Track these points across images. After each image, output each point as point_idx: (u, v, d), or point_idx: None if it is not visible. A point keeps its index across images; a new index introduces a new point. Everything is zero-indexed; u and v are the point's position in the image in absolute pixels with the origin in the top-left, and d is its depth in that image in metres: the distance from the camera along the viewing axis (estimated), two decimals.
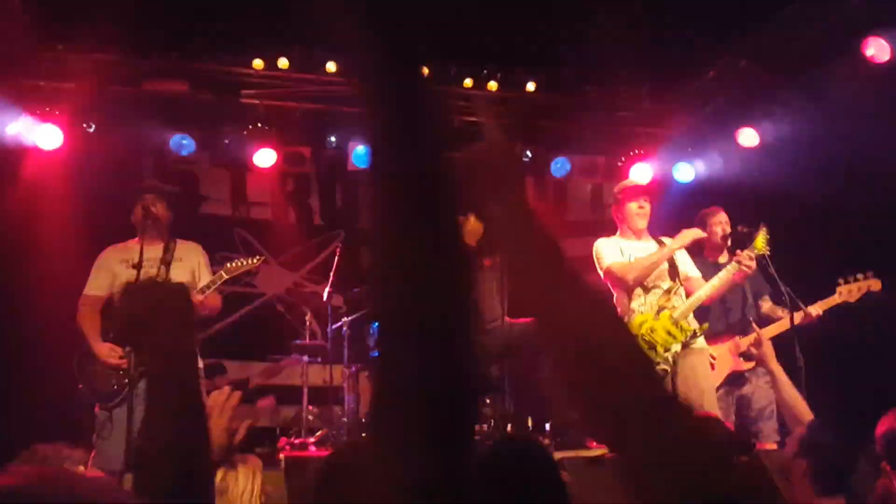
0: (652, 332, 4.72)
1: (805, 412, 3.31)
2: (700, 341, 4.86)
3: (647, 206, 5.15)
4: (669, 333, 4.70)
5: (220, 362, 6.85)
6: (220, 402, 1.86)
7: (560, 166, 7.90)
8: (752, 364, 5.01)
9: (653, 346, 4.66)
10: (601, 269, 4.97)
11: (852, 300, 4.84)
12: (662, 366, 4.65)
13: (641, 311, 4.83)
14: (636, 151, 7.86)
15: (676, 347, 4.69)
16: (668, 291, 4.89)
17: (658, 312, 4.79)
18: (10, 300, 5.89)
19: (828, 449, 2.56)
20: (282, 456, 5.76)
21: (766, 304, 5.37)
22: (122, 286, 4.30)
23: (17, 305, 5.88)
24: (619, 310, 5.16)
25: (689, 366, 4.71)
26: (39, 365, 5.51)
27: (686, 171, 7.80)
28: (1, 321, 5.77)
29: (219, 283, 4.69)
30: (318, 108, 7.44)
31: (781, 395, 3.53)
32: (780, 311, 5.13)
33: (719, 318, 5.25)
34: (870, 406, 3.20)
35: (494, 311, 4.44)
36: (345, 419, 6.46)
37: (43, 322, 5.63)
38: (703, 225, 5.44)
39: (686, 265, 5.12)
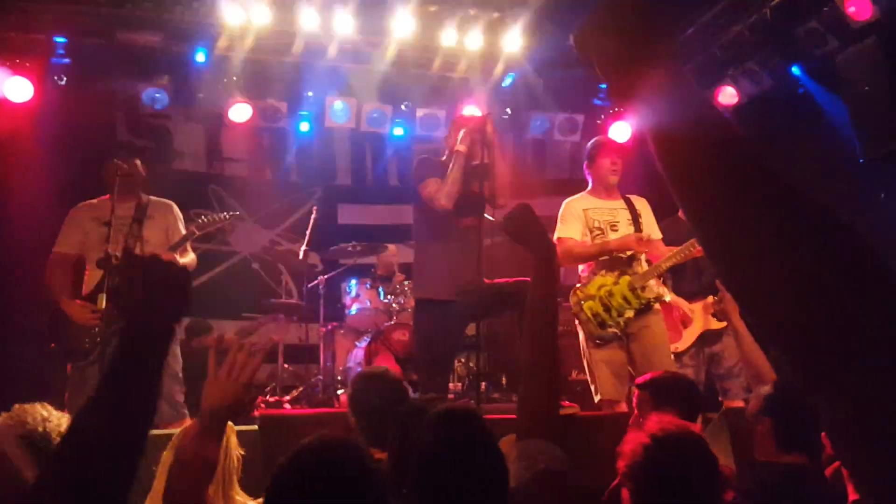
0: (609, 295, 4.77)
1: (767, 370, 3.37)
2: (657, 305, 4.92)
3: (620, 164, 5.15)
4: (625, 299, 4.75)
5: (205, 320, 6.81)
6: (241, 360, 1.86)
7: (539, 124, 7.86)
8: (724, 323, 5.07)
9: (607, 309, 4.73)
10: (555, 233, 4.98)
11: None
12: (612, 329, 4.71)
13: (603, 274, 4.87)
14: (615, 110, 7.83)
15: (629, 314, 4.75)
16: (632, 257, 4.93)
17: (619, 276, 4.83)
18: None
19: (791, 408, 2.60)
20: (257, 414, 5.78)
21: None
22: (126, 253, 4.24)
23: None
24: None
25: (642, 325, 4.77)
26: (9, 322, 5.46)
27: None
28: None
29: (190, 239, 4.63)
30: (295, 61, 7.32)
31: (744, 352, 3.59)
32: None
33: (693, 279, 5.30)
34: None
35: (471, 272, 4.44)
36: (320, 377, 6.49)
37: (13, 279, 5.56)
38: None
39: (651, 228, 5.14)
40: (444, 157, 4.75)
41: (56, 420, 2.32)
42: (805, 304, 0.75)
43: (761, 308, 0.81)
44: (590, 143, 5.37)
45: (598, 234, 4.96)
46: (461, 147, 4.49)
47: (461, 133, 4.56)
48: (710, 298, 5.20)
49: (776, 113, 7.07)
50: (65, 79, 6.57)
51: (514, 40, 7.07)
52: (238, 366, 1.85)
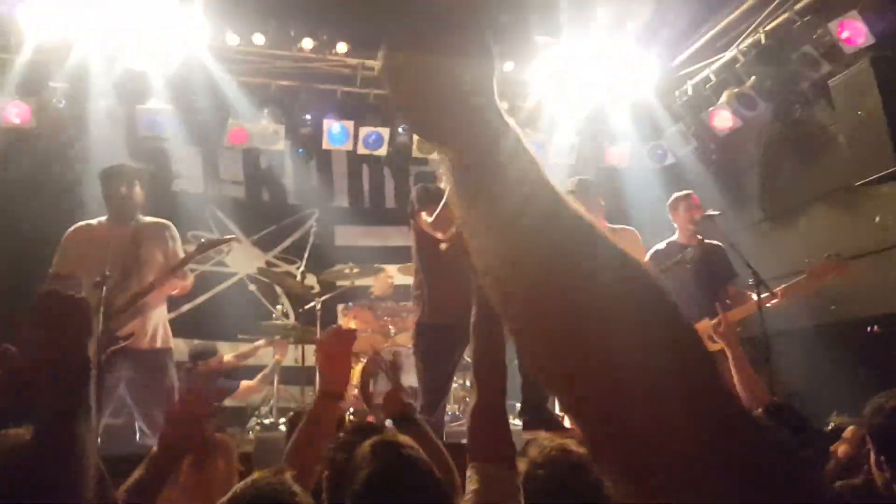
0: None
1: (762, 393, 3.38)
2: None
3: None
4: None
5: (212, 343, 6.78)
6: (192, 399, 1.91)
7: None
8: (720, 346, 5.08)
9: None
10: None
11: (820, 283, 4.88)
12: None
13: None
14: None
15: None
16: None
17: None
18: None
19: (782, 429, 2.62)
20: (252, 435, 5.80)
21: (733, 289, 5.43)
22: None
23: None
24: None
25: None
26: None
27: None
28: None
29: (190, 261, 4.64)
30: (293, 84, 7.37)
31: (739, 376, 3.60)
32: (747, 295, 5.19)
33: (689, 304, 5.29)
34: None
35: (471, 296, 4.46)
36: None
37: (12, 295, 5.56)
38: (674, 209, 5.51)
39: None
40: (441, 185, 4.77)
41: None
42: None
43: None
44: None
45: None
46: None
47: None
48: (706, 321, 5.20)
49: (772, 137, 7.12)
50: (63, 101, 6.62)
51: (509, 63, 7.14)
52: (190, 403, 1.89)
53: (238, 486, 1.60)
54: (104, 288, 4.10)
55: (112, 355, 4.21)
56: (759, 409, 2.88)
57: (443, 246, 4.44)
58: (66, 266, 4.49)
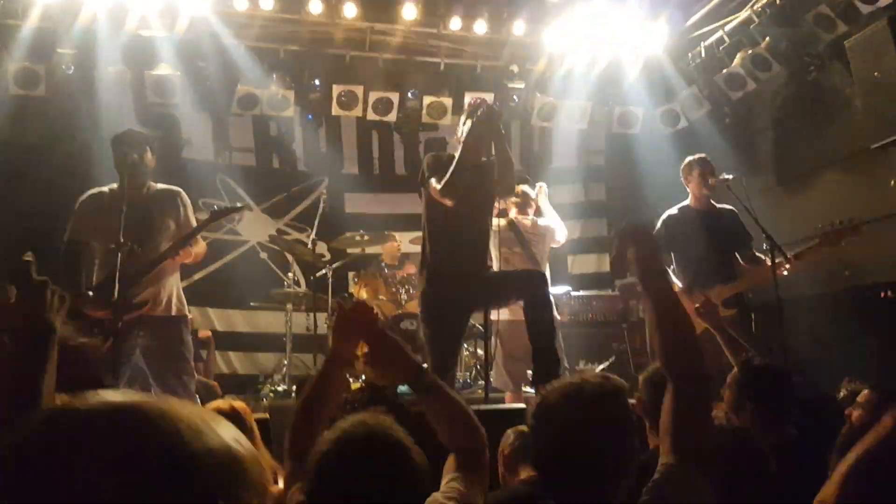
0: None
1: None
2: None
3: None
4: None
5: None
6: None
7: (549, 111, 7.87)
8: (732, 311, 5.07)
9: None
10: None
11: (833, 248, 4.84)
12: None
13: None
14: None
15: None
16: None
17: None
18: None
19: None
20: (265, 402, 5.85)
21: (748, 253, 5.38)
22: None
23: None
24: None
25: None
26: None
27: None
28: None
29: (203, 228, 4.63)
30: (302, 50, 7.31)
31: (733, 357, 3.64)
32: (762, 259, 5.15)
33: (703, 269, 5.26)
34: None
35: (478, 264, 4.45)
36: None
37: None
38: (687, 173, 5.44)
39: None
40: (452, 152, 4.73)
41: None
42: None
43: None
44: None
45: None
46: (466, 140, 4.44)
47: (466, 126, 4.51)
48: (720, 287, 5.18)
49: (786, 100, 7.04)
50: (73, 67, 6.59)
51: (521, 26, 7.05)
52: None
53: (345, 425, 1.61)
54: (119, 255, 4.10)
55: (128, 323, 4.22)
56: (735, 368, 2.97)
57: (448, 203, 4.45)
58: (79, 233, 4.49)
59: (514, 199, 5.83)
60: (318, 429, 2.00)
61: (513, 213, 5.88)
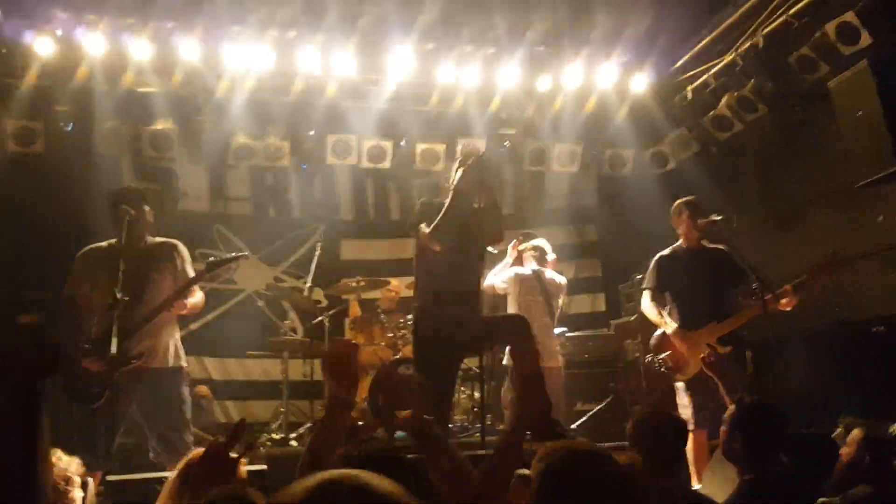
0: None
1: None
2: None
3: None
4: None
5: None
6: None
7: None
8: (728, 349, 5.10)
9: None
10: None
11: (822, 281, 4.88)
12: None
13: None
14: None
15: None
16: None
17: None
18: None
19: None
20: (262, 450, 5.82)
21: (742, 290, 5.42)
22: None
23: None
24: None
25: None
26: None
27: None
28: None
29: (201, 279, 4.68)
30: (295, 100, 7.44)
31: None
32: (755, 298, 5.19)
33: (695, 310, 5.29)
34: None
35: (468, 308, 4.50)
36: None
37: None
38: (676, 214, 5.51)
39: None
40: (444, 198, 4.81)
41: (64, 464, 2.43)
42: None
43: None
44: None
45: None
46: (456, 187, 4.53)
47: (457, 173, 4.60)
48: (713, 325, 5.22)
49: (772, 140, 7.15)
50: (71, 125, 6.71)
51: (511, 73, 7.20)
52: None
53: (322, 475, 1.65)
54: (116, 309, 4.15)
55: (124, 375, 4.25)
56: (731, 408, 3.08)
57: (436, 248, 4.52)
58: (77, 288, 4.54)
59: (531, 252, 6.22)
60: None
61: (532, 264, 6.29)
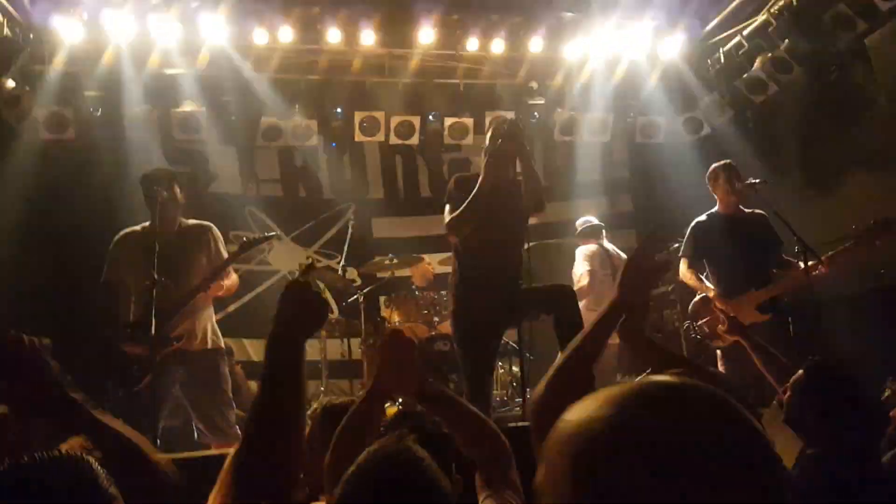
0: None
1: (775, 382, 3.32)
2: None
3: None
4: None
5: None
6: None
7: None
8: (768, 316, 5.02)
9: None
10: None
11: (867, 248, 4.76)
12: None
13: None
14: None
15: None
16: None
17: None
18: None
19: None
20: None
21: (779, 258, 5.32)
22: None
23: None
24: None
25: None
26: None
27: None
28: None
29: (234, 261, 4.70)
30: (322, 79, 7.40)
31: (765, 367, 3.56)
32: (794, 263, 5.09)
33: (734, 276, 5.20)
34: None
35: (506, 281, 4.46)
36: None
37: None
38: (713, 179, 5.41)
39: None
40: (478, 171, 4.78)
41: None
42: None
43: None
44: None
45: None
46: (488, 160, 4.45)
47: (489, 145, 4.53)
48: (753, 292, 5.13)
49: (809, 101, 6.98)
50: (100, 110, 6.74)
51: (538, 42, 7.08)
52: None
53: (368, 450, 1.59)
54: (153, 292, 4.17)
55: (165, 357, 4.28)
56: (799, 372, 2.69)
57: (454, 238, 4.50)
58: (115, 273, 4.58)
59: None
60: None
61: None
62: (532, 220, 4.80)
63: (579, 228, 6.93)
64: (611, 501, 0.74)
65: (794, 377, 2.60)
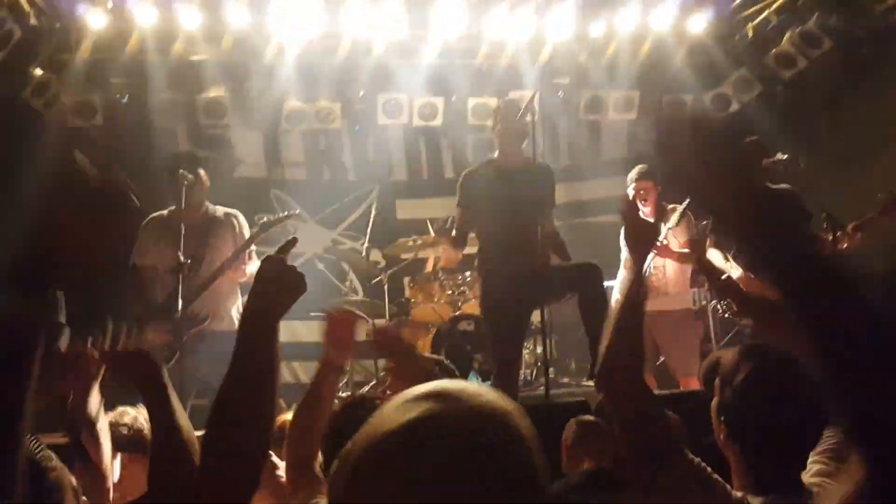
0: None
1: None
2: None
3: None
4: None
5: None
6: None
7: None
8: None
9: None
10: None
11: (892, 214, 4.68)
12: None
13: None
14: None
15: None
16: None
17: None
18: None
19: None
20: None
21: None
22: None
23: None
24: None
25: None
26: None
27: None
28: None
29: (255, 239, 4.74)
30: (345, 61, 7.40)
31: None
32: (822, 238, 5.01)
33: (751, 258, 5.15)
34: None
35: (530, 261, 4.46)
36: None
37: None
38: None
39: None
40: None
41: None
42: None
43: None
44: None
45: None
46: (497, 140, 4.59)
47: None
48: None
49: (840, 76, 6.84)
50: (127, 97, 6.81)
51: (562, 20, 7.01)
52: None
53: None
54: (179, 274, 4.23)
55: (191, 338, 4.35)
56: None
57: (457, 256, 4.64)
58: (144, 257, 4.65)
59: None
60: (315, 437, 2.13)
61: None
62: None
63: None
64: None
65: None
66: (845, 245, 4.67)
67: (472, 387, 0.92)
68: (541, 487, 0.86)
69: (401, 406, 0.89)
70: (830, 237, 4.65)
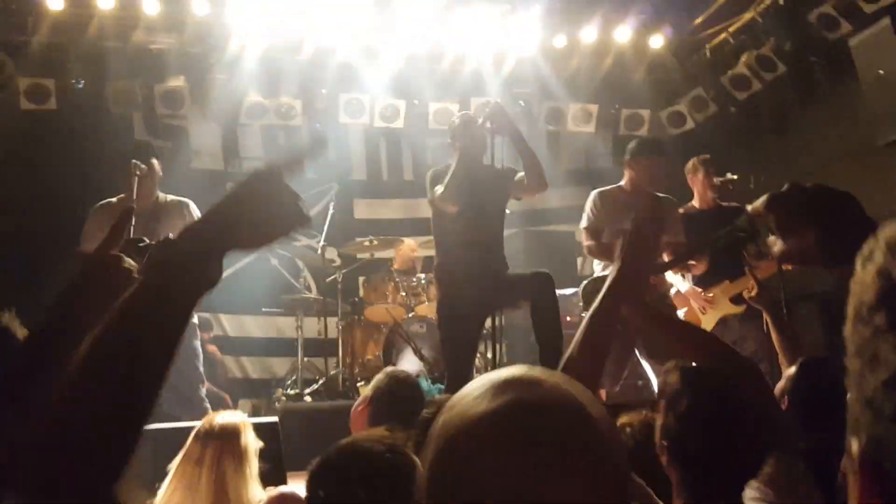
0: None
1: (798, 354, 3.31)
2: None
3: None
4: None
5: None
6: None
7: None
8: (742, 308, 5.07)
9: None
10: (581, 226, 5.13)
11: None
12: None
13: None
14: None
15: None
16: None
17: None
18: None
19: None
20: (278, 405, 5.93)
21: (754, 250, 5.38)
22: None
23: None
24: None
25: None
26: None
27: None
28: None
29: None
30: (308, 59, 7.37)
31: (777, 336, 3.52)
32: (770, 258, 5.14)
33: (712, 268, 5.27)
34: None
35: (487, 265, 4.49)
36: (338, 370, 6.58)
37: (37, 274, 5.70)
38: (692, 173, 5.48)
39: None
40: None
41: None
42: None
43: None
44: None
45: None
46: (458, 150, 4.56)
47: (455, 132, 4.64)
48: (726, 283, 5.20)
49: (792, 99, 7.04)
50: (82, 82, 6.69)
51: (526, 32, 7.09)
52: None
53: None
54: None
55: None
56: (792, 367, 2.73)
57: (452, 209, 4.51)
58: (90, 244, 4.57)
59: None
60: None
61: None
62: (528, 197, 4.86)
63: None
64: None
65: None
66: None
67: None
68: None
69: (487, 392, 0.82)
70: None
